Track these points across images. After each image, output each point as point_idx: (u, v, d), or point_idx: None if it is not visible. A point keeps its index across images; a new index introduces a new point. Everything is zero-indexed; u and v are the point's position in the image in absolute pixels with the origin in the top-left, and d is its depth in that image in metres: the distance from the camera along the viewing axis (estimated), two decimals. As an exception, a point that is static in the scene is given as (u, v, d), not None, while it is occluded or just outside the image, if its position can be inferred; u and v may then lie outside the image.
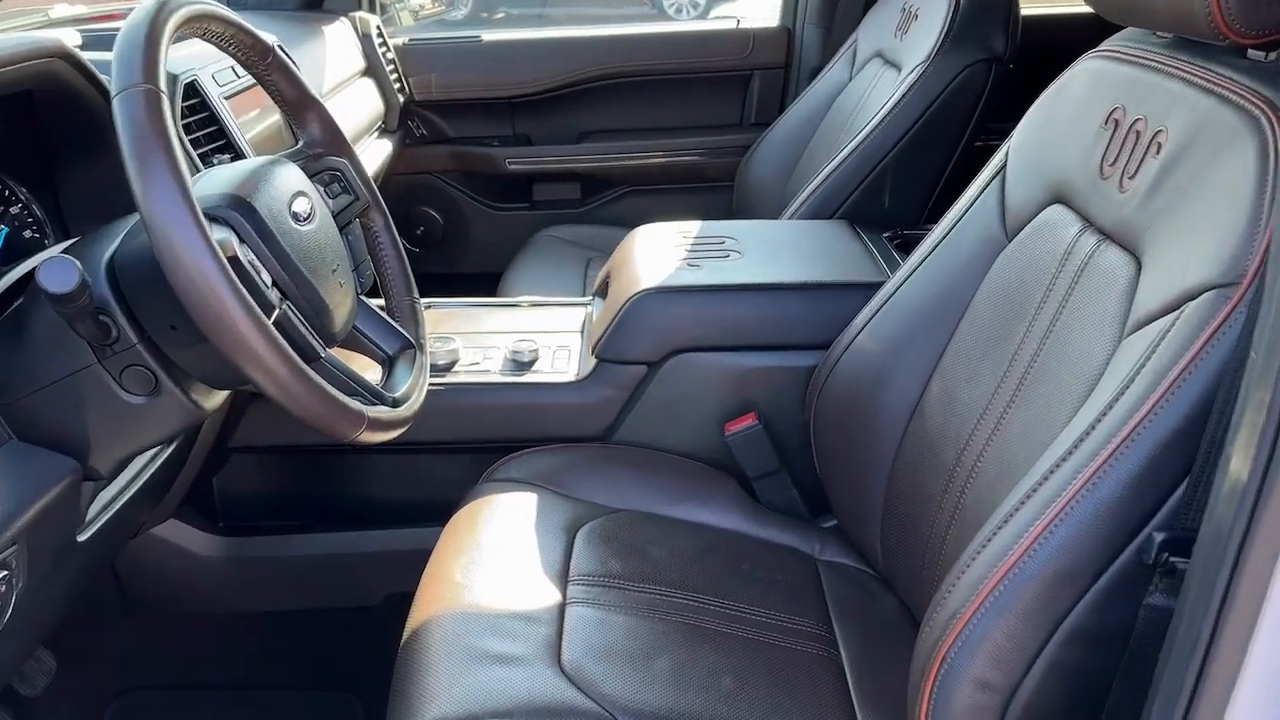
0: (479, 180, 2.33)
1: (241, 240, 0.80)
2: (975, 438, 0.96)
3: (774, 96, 2.27)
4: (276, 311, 0.78)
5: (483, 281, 2.09)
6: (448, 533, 1.15)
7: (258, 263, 0.80)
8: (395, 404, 0.89)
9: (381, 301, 1.08)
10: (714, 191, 2.28)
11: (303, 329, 0.81)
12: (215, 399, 0.89)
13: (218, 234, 0.78)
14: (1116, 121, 0.87)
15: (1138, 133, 0.84)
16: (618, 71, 2.23)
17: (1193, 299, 0.69)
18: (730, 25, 2.29)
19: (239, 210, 0.81)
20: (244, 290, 0.71)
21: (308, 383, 0.74)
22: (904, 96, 1.58)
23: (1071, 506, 0.69)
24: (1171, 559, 0.65)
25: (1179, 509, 0.66)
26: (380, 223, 1.05)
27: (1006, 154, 1.07)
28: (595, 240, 2.10)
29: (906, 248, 1.46)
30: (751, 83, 2.28)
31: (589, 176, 2.31)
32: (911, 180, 1.60)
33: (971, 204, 1.10)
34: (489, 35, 2.28)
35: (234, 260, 0.76)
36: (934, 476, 1.02)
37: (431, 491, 1.32)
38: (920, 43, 1.63)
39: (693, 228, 1.49)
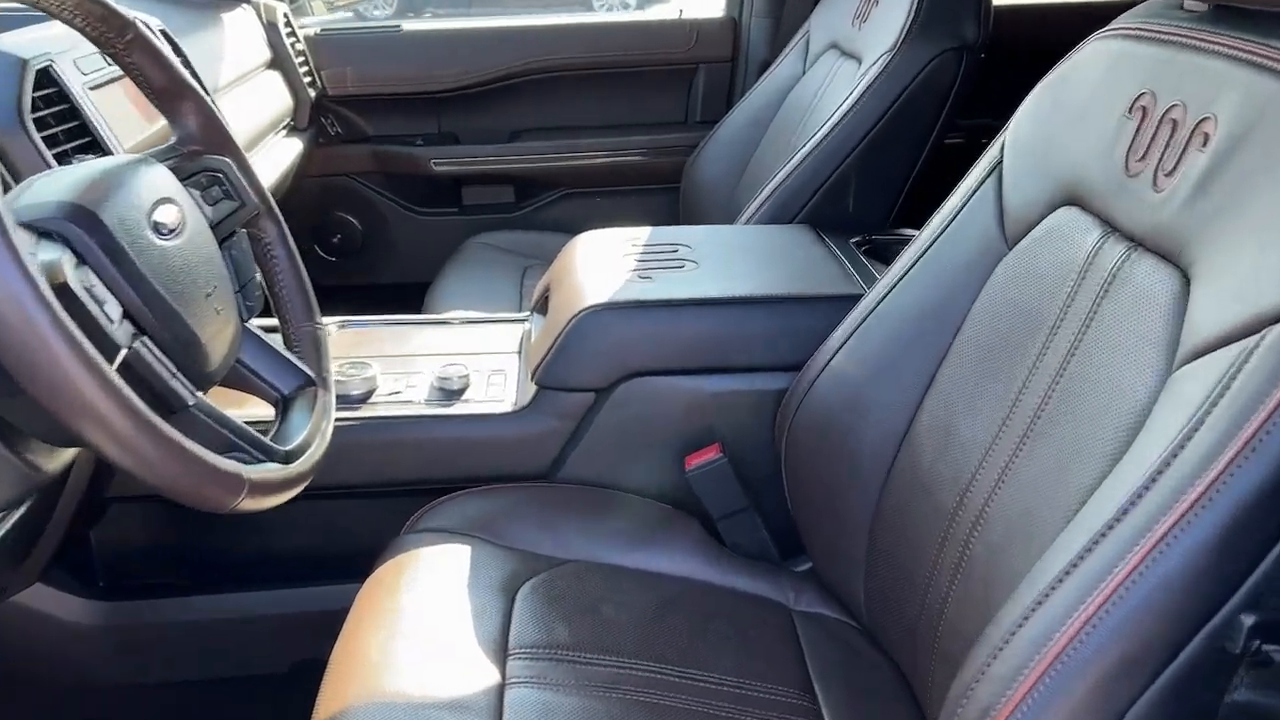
0: (402, 182, 2.16)
1: (80, 261, 0.63)
2: (980, 479, 0.84)
3: (720, 92, 2.14)
4: (125, 351, 0.62)
5: (407, 294, 1.92)
6: (364, 595, 0.99)
7: (102, 289, 0.63)
8: (288, 458, 0.73)
9: (277, 324, 0.92)
10: (659, 194, 2.14)
11: (163, 371, 0.65)
12: (59, 458, 0.71)
13: (46, 253, 0.61)
14: (1144, 109, 0.76)
15: (1174, 122, 0.72)
16: (552, 65, 2.08)
17: (1274, 322, 0.57)
18: (672, 16, 2.15)
19: (79, 222, 0.64)
20: (72, 326, 0.55)
21: (163, 441, 0.58)
22: (868, 89, 1.46)
23: (1133, 581, 0.56)
24: (1264, 647, 0.53)
25: (1268, 585, 0.54)
26: (273, 232, 0.89)
27: (1002, 149, 0.95)
28: (532, 247, 1.95)
29: (877, 254, 1.34)
30: (696, 78, 2.15)
31: (523, 178, 2.15)
32: (877, 180, 1.48)
33: (962, 206, 0.98)
34: (410, 25, 2.11)
35: (63, 288, 0.59)
36: (929, 521, 0.90)
37: (346, 543, 1.15)
38: (883, 31, 1.51)
39: (641, 234, 1.34)
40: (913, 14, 1.45)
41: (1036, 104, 0.92)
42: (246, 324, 0.82)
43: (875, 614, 1.00)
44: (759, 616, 1.04)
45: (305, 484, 0.74)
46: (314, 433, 0.78)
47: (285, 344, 0.88)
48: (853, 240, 1.38)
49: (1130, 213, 0.75)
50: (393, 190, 2.17)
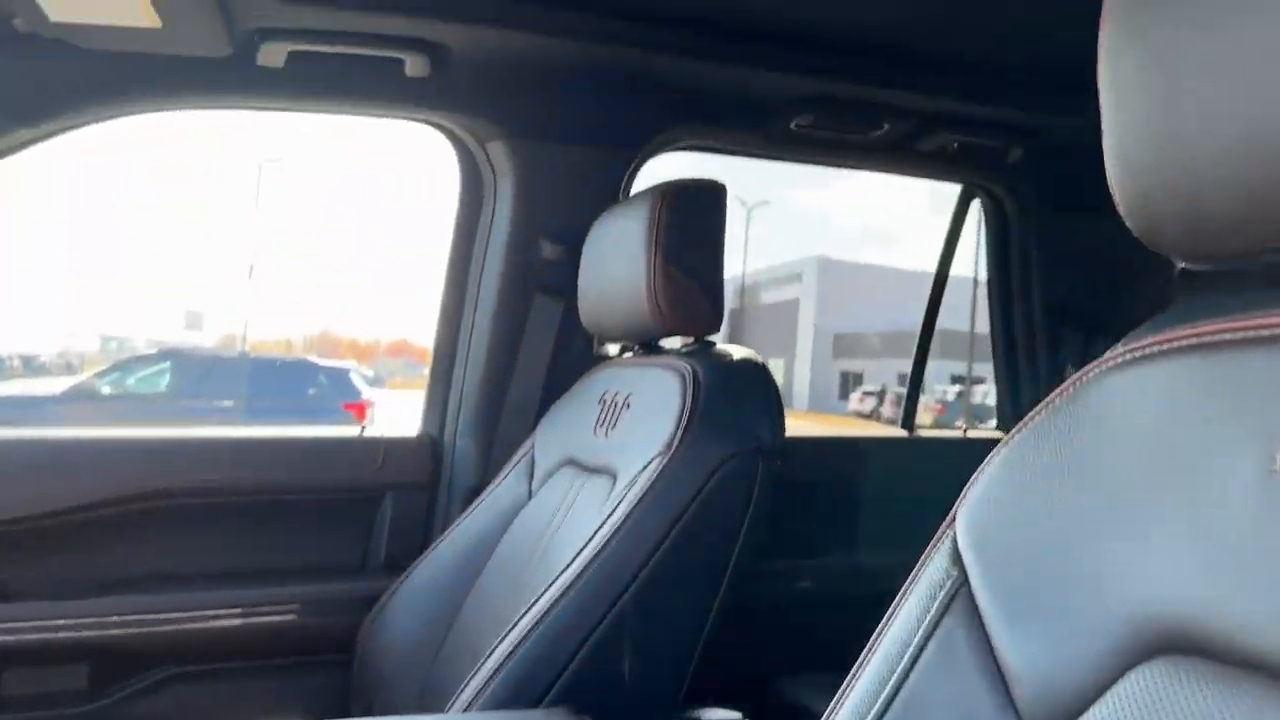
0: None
1: None
2: None
3: (414, 527, 1.68)
4: None
5: None
6: None
7: None
8: None
9: None
10: (320, 671, 1.55)
11: None
12: None
13: None
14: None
15: None
16: (168, 490, 1.53)
17: None
18: (352, 432, 1.73)
19: None
20: None
21: None
22: (638, 504, 1.08)
23: None
24: None
25: None
26: None
27: (957, 562, 0.57)
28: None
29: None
30: (382, 508, 1.68)
31: (108, 651, 1.48)
32: (664, 633, 1.05)
33: (907, 669, 0.56)
34: (-48, 432, 1.51)
35: None
36: None
37: None
38: (645, 434, 1.18)
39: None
40: (687, 409, 1.14)
41: (1020, 482, 0.56)
42: None
43: None
44: None
45: None
46: None
47: None
48: (645, 733, 0.90)
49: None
50: None
